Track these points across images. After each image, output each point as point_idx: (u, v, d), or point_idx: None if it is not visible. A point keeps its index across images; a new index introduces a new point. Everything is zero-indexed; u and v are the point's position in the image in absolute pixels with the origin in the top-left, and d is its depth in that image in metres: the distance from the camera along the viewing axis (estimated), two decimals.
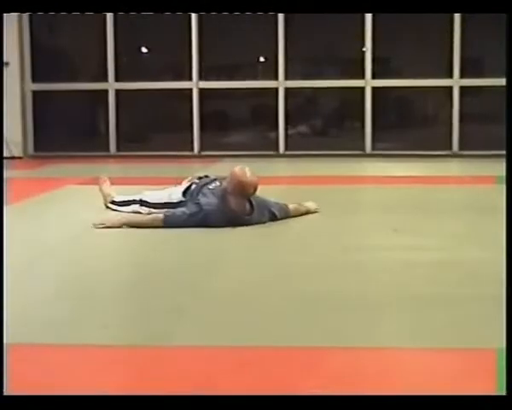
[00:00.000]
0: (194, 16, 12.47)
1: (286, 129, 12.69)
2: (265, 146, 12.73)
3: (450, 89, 12.37)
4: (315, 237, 5.52)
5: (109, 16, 12.57)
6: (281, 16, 12.31)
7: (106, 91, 12.78)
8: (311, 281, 4.22)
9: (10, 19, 12.04)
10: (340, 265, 4.63)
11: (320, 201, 6.47)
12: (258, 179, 5.78)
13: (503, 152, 10.72)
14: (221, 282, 4.25)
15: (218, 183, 6.00)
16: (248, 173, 5.73)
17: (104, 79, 12.72)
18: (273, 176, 9.06)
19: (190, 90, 12.74)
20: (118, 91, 12.85)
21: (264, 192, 5.99)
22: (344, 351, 3.10)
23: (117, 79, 12.84)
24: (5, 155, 11.77)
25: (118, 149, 12.91)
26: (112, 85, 12.82)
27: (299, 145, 12.65)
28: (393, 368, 2.95)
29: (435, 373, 2.83)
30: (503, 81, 12.50)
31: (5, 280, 3.79)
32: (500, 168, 10.08)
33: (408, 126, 13.22)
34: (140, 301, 3.90)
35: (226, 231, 5.59)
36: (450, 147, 12.41)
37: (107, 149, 12.81)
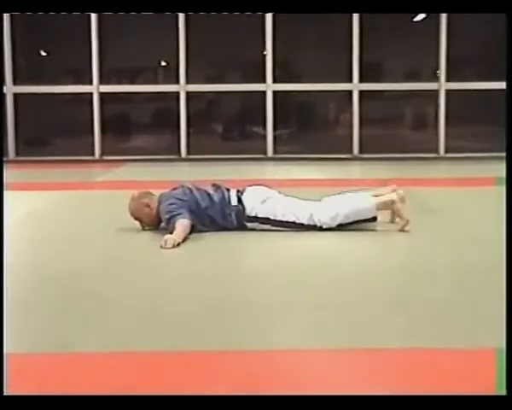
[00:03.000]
0: (93, 17, 12.33)
1: (188, 133, 12.68)
2: (167, 150, 12.68)
3: (350, 93, 12.56)
4: (218, 240, 5.50)
5: (6, 16, 12.32)
6: (181, 18, 12.28)
7: (3, 95, 12.50)
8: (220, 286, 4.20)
9: None
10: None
11: None
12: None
13: (404, 155, 11.00)
14: (126, 288, 4.20)
15: None
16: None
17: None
18: (175, 180, 9.00)
19: (91, 94, 12.60)
20: (16, 95, 12.62)
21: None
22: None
23: (15, 83, 12.60)
24: None
25: (17, 153, 12.68)
26: (10, 89, 12.58)
27: (201, 149, 12.64)
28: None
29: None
30: (402, 86, 12.82)
31: None
32: (401, 170, 10.31)
33: (309, 130, 13.35)
34: (41, 308, 3.82)
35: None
36: (350, 150, 12.59)
37: (6, 153, 12.54)
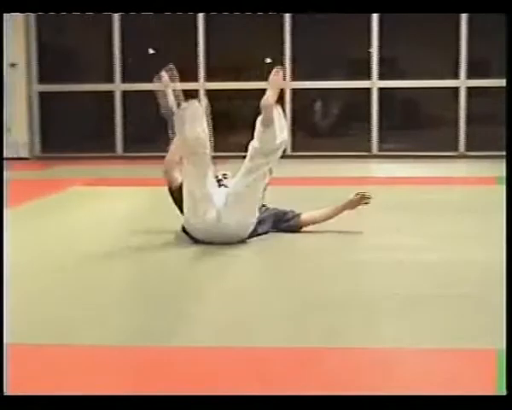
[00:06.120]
0: (200, 16, 12.48)
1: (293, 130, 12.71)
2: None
3: (456, 89, 12.36)
4: (318, 237, 5.51)
5: (116, 16, 12.60)
6: (287, 17, 12.32)
7: (112, 92, 12.79)
8: (311, 282, 4.22)
9: (17, 19, 12.09)
10: (342, 265, 4.63)
11: (325, 201, 6.43)
12: None
13: None
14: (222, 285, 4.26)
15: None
16: None
17: (110, 80, 12.73)
18: (283, 177, 9.03)
19: (196, 91, 12.75)
20: (124, 92, 12.88)
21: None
22: (341, 351, 3.10)
23: (123, 80, 12.86)
24: (12, 155, 11.79)
25: (124, 149, 12.94)
26: (118, 86, 12.85)
27: (305, 146, 12.64)
28: (393, 368, 2.94)
29: (435, 373, 2.82)
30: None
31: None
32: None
33: (414, 127, 13.21)
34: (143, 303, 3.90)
35: None
36: (456, 148, 12.40)
37: (114, 149, 12.83)
